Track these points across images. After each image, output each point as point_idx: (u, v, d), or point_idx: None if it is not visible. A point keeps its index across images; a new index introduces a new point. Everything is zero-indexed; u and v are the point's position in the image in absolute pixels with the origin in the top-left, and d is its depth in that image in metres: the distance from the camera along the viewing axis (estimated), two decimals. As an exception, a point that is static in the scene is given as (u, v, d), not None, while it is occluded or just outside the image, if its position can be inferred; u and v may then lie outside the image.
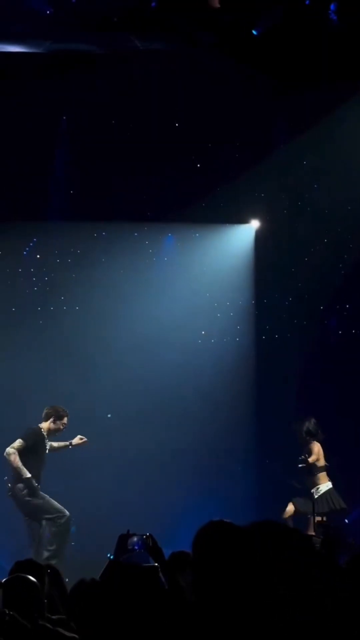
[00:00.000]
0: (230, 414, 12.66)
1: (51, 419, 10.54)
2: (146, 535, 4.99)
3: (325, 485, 10.79)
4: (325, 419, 12.28)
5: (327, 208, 12.17)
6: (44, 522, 10.13)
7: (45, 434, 10.54)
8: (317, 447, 10.92)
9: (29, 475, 10.20)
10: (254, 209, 12.94)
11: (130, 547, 4.93)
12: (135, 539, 4.96)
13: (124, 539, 4.95)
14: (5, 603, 3.98)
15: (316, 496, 10.62)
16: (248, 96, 11.09)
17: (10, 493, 10.33)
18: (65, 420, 10.62)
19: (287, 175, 12.25)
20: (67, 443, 10.70)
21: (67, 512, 10.24)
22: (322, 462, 10.86)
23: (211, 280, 13.08)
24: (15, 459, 10.22)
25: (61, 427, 10.59)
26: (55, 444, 10.63)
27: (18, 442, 10.29)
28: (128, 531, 5.00)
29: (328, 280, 12.55)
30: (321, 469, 10.85)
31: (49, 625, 4.05)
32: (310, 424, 11.01)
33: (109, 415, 11.43)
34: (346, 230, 12.41)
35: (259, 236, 13.16)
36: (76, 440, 10.66)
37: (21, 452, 10.26)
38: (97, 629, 3.90)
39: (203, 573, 3.03)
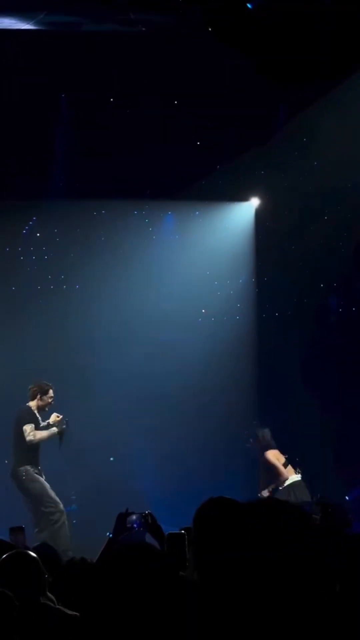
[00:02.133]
0: (230, 392, 12.67)
1: (38, 396, 10.46)
2: (145, 513, 5.01)
3: (291, 478, 10.91)
4: (326, 396, 12.33)
5: (327, 186, 12.11)
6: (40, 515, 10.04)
7: (35, 412, 10.49)
8: (270, 455, 11.02)
9: (53, 430, 10.20)
10: (254, 186, 12.90)
11: (129, 526, 4.95)
12: (134, 517, 4.98)
13: (123, 517, 4.97)
14: (3, 581, 3.95)
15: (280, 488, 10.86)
16: (249, 75, 11.00)
17: (12, 478, 10.26)
18: (50, 392, 10.50)
19: (287, 153, 12.19)
20: (46, 424, 10.43)
21: (61, 507, 10.13)
22: (281, 461, 10.99)
23: (211, 258, 13.06)
24: (39, 435, 10.20)
25: (49, 400, 10.49)
26: (44, 434, 10.38)
27: (29, 427, 10.22)
28: (127, 510, 5.02)
29: (328, 258, 12.52)
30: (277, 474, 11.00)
31: (50, 603, 4.05)
32: (262, 436, 11.14)
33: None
34: (346, 209, 12.37)
35: (259, 214, 13.13)
36: (53, 418, 10.43)
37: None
38: (88, 609, 3.89)
39: (203, 548, 3.04)
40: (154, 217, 13.21)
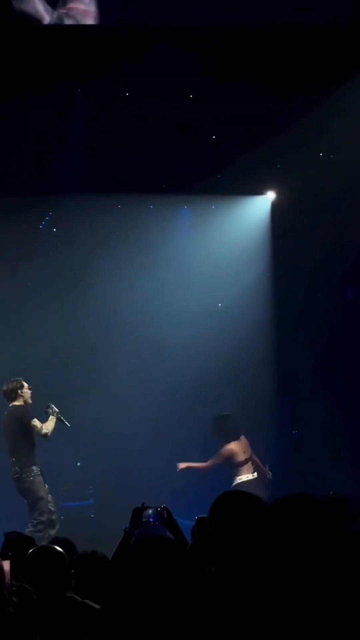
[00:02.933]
0: (248, 386, 12.66)
1: (18, 393, 10.38)
2: (161, 507, 5.03)
3: (243, 477, 10.75)
4: (344, 389, 12.29)
5: (344, 179, 12.06)
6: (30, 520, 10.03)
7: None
8: (224, 449, 10.80)
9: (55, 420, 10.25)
10: (270, 180, 12.87)
11: (145, 520, 4.97)
12: (150, 511, 5.00)
13: (138, 511, 4.99)
14: (31, 575, 3.98)
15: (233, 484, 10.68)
16: (264, 67, 10.97)
17: (17, 477, 10.21)
18: (25, 384, 10.42)
19: (303, 145, 12.14)
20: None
21: (54, 517, 10.11)
22: (239, 458, 10.77)
23: (227, 252, 13.05)
24: (50, 426, 10.22)
25: (29, 391, 10.41)
26: (51, 423, 10.32)
27: (37, 422, 10.21)
28: (143, 504, 5.04)
29: (344, 251, 12.48)
30: (238, 464, 10.78)
31: (77, 597, 4.07)
32: (219, 424, 10.97)
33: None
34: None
35: (275, 207, 13.11)
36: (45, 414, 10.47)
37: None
38: (103, 601, 3.91)
39: (220, 542, 3.04)
40: (170, 211, 13.21)
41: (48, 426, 10.23)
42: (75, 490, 11.81)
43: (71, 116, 11.69)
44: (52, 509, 10.16)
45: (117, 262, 12.77)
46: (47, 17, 10.09)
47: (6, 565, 3.31)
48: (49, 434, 10.21)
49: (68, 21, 10.12)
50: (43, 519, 9.97)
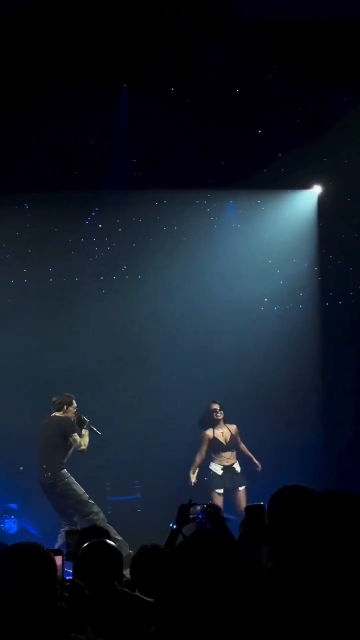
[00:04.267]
0: (294, 380, 12.61)
1: (64, 408, 10.50)
2: (207, 504, 5.03)
3: (214, 466, 11.04)
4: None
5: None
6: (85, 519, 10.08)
7: None
8: (202, 435, 11.14)
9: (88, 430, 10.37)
10: (316, 174, 12.78)
11: (192, 517, 4.97)
12: (198, 507, 4.99)
13: (185, 508, 4.99)
14: (85, 569, 4.02)
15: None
16: (310, 60, 10.88)
17: (45, 482, 10.24)
18: (74, 403, 10.57)
19: (349, 139, 12.03)
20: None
21: (96, 507, 10.17)
22: (216, 444, 11.07)
23: (273, 246, 13.00)
24: (86, 441, 10.32)
25: (74, 411, 10.53)
26: (86, 438, 10.41)
27: (78, 437, 10.31)
28: (190, 501, 5.03)
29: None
30: (215, 450, 11.07)
31: (127, 590, 4.09)
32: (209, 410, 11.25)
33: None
34: None
35: (322, 201, 13.02)
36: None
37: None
38: (161, 594, 3.92)
39: (280, 539, 2.99)
40: (216, 206, 13.19)
41: (85, 441, 10.33)
42: (122, 484, 11.86)
43: (117, 111, 11.71)
44: (92, 501, 10.24)
45: (163, 258, 12.77)
46: None
47: (58, 560, 3.33)
48: (85, 450, 10.32)
49: None
50: (96, 510, 10.09)
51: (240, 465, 11.09)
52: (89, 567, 4.03)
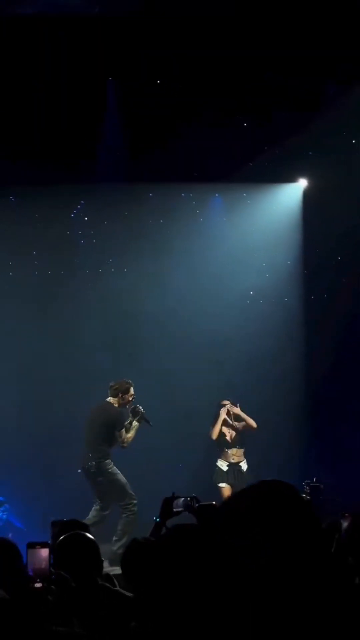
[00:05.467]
0: (279, 374, 12.66)
1: (119, 395, 10.44)
2: (191, 497, 5.03)
3: (221, 462, 11.21)
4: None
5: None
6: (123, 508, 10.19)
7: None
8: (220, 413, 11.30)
9: (135, 421, 10.37)
10: (302, 167, 12.82)
11: (176, 510, 4.98)
12: (181, 500, 5.01)
13: (169, 501, 5.00)
14: (62, 562, 4.01)
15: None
16: (296, 54, 10.89)
17: (89, 469, 10.30)
18: (131, 391, 10.48)
19: (335, 132, 12.06)
20: (128, 423, 10.48)
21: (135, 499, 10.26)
22: (222, 440, 11.25)
23: (259, 240, 13.02)
24: (131, 437, 10.32)
25: (130, 399, 10.47)
26: (132, 433, 10.40)
27: (124, 433, 10.29)
28: (173, 494, 5.05)
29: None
30: (222, 447, 11.24)
31: (108, 584, 4.10)
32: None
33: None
34: None
35: (307, 195, 13.06)
36: (129, 417, 10.55)
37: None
38: (152, 587, 3.94)
39: (252, 532, 3.00)
40: (202, 199, 13.20)
41: (129, 438, 10.31)
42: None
43: (104, 104, 11.70)
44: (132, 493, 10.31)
45: (149, 251, 12.78)
46: None
47: (45, 552, 3.35)
48: (126, 446, 10.32)
49: None
50: (135, 501, 10.14)
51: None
52: (66, 559, 4.03)
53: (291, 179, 13.11)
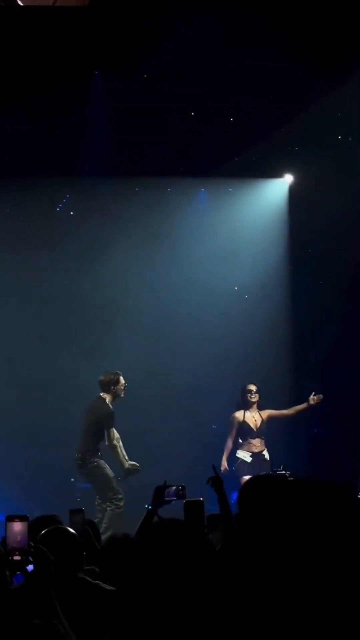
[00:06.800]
0: (265, 368, 12.66)
1: (111, 388, 10.45)
2: (181, 486, 5.07)
3: (242, 453, 10.91)
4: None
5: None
6: (106, 502, 10.19)
7: (111, 405, 10.48)
8: (232, 418, 11.01)
9: (127, 464, 10.25)
10: (288, 163, 12.84)
11: (167, 498, 5.02)
12: (172, 490, 5.04)
13: (161, 490, 5.03)
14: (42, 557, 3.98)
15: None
16: (283, 50, 10.91)
17: (76, 460, 10.37)
18: (121, 380, 10.48)
19: (321, 128, 12.09)
20: (130, 464, 10.35)
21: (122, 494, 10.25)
22: (244, 429, 10.92)
23: (244, 235, 13.04)
24: (119, 452, 10.25)
25: (122, 388, 10.48)
26: (120, 456, 10.30)
27: (113, 432, 10.25)
28: (165, 482, 5.08)
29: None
30: (244, 436, 10.92)
31: (89, 578, 4.09)
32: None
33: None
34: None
35: (293, 190, 13.08)
36: (133, 465, 10.35)
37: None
38: (130, 583, 3.93)
39: (247, 528, 2.98)
40: (187, 194, 13.20)
41: (117, 449, 10.25)
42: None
43: (89, 98, 11.67)
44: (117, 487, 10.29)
45: (134, 245, 12.76)
46: None
47: (24, 526, 3.32)
48: (109, 447, 10.27)
49: None
50: (120, 496, 10.13)
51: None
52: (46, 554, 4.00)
53: (277, 174, 13.13)
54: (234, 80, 11.53)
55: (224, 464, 10.72)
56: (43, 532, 4.15)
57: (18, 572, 3.29)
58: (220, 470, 10.21)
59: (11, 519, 3.32)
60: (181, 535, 2.83)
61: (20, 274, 12.61)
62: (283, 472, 8.89)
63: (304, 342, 12.72)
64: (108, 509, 10.09)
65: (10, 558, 3.26)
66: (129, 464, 10.23)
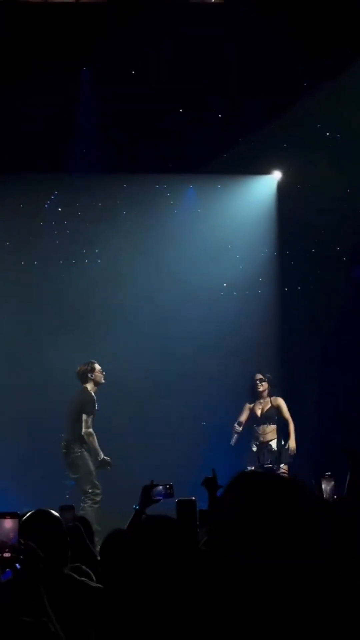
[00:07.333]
0: (254, 366, 12.64)
1: (88, 376, 10.66)
2: (169, 485, 5.05)
3: (252, 443, 11.06)
4: (351, 369, 12.28)
5: (350, 158, 12.02)
6: (83, 496, 10.29)
7: (94, 394, 10.72)
8: (245, 405, 11.17)
9: (102, 456, 10.41)
10: (276, 159, 12.82)
11: (154, 498, 4.99)
12: (160, 488, 5.02)
13: (148, 489, 5.01)
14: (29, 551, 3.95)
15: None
16: (271, 47, 10.89)
17: (61, 449, 10.56)
18: (97, 366, 10.77)
19: (309, 125, 12.09)
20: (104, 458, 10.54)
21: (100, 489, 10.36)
22: (255, 420, 11.03)
23: (233, 232, 13.02)
24: (93, 441, 10.41)
25: (100, 374, 10.76)
26: (96, 446, 10.49)
27: (90, 420, 10.42)
28: (152, 482, 5.05)
29: (350, 230, 12.44)
30: (255, 425, 11.04)
31: (75, 575, 4.06)
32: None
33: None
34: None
35: (281, 187, 13.07)
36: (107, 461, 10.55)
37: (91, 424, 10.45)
38: (128, 579, 3.91)
39: (229, 526, 2.97)
40: (176, 191, 13.19)
41: (93, 439, 10.41)
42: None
43: (77, 94, 11.63)
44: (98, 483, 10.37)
45: (122, 243, 12.73)
46: None
47: (14, 523, 3.30)
48: (84, 436, 10.41)
49: None
50: (98, 491, 10.24)
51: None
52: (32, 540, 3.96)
53: (265, 171, 13.11)
54: (223, 77, 11.53)
55: (233, 440, 10.88)
56: (27, 515, 4.09)
57: (7, 570, 3.26)
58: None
59: (2, 516, 3.30)
60: (171, 533, 2.82)
61: (7, 270, 12.55)
62: (270, 465, 8.90)
63: (293, 338, 12.71)
64: (85, 504, 10.15)
65: (0, 555, 3.24)
66: (104, 457, 10.38)
